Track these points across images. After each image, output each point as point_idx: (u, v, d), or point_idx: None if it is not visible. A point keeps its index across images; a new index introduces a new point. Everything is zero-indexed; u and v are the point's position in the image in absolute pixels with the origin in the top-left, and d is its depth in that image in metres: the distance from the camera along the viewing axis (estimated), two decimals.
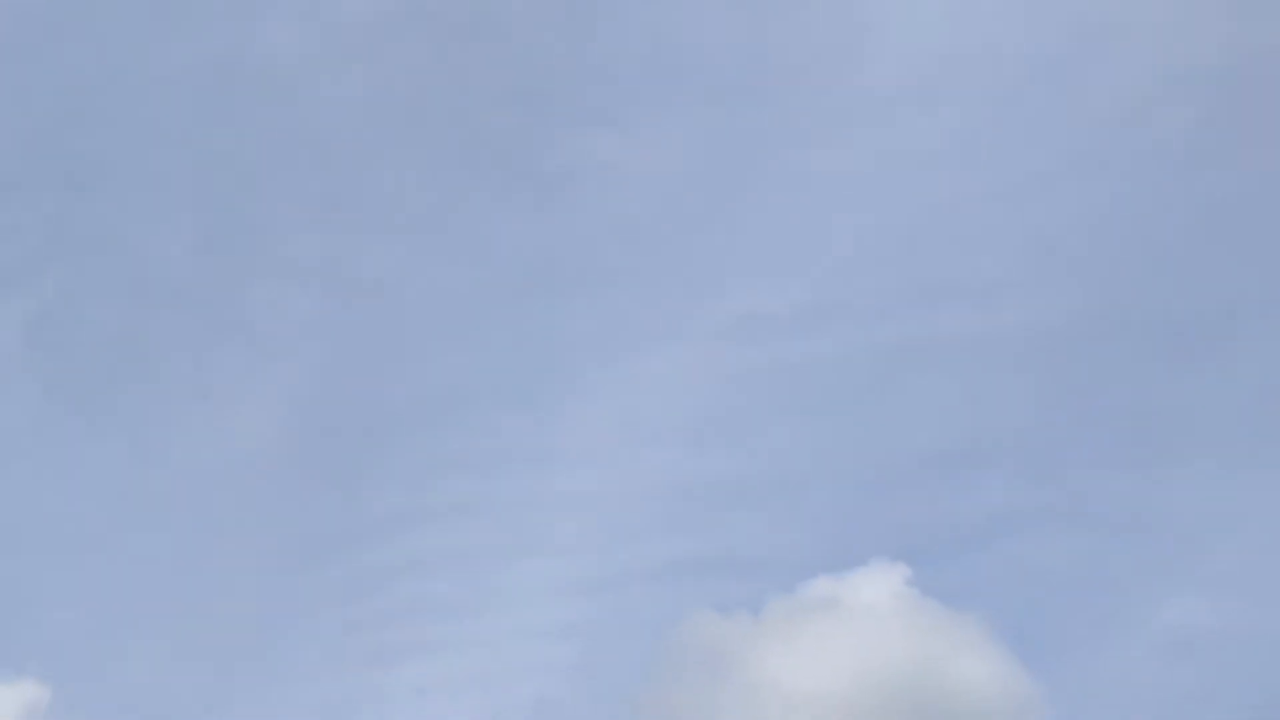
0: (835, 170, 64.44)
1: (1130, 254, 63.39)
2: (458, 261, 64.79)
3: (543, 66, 66.95)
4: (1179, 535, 57.77)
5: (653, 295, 64.05)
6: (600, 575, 58.27)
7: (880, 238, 64.65)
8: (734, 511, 59.80)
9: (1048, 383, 61.91)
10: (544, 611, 57.58)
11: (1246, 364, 61.00)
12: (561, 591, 58.05)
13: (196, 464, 61.22)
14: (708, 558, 58.53)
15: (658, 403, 61.93)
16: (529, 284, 64.91)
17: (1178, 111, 64.67)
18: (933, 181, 64.10)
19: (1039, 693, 51.03)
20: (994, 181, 64.45)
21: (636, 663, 55.29)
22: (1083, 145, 64.95)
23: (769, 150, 64.96)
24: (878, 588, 52.54)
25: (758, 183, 65.01)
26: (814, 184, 64.56)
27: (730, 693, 51.97)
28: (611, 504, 59.77)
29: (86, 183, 65.70)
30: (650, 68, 67.00)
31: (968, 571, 57.03)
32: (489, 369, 62.66)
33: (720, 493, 60.11)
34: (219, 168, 66.03)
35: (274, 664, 57.27)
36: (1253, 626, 55.13)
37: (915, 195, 64.13)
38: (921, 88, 65.33)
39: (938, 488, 59.37)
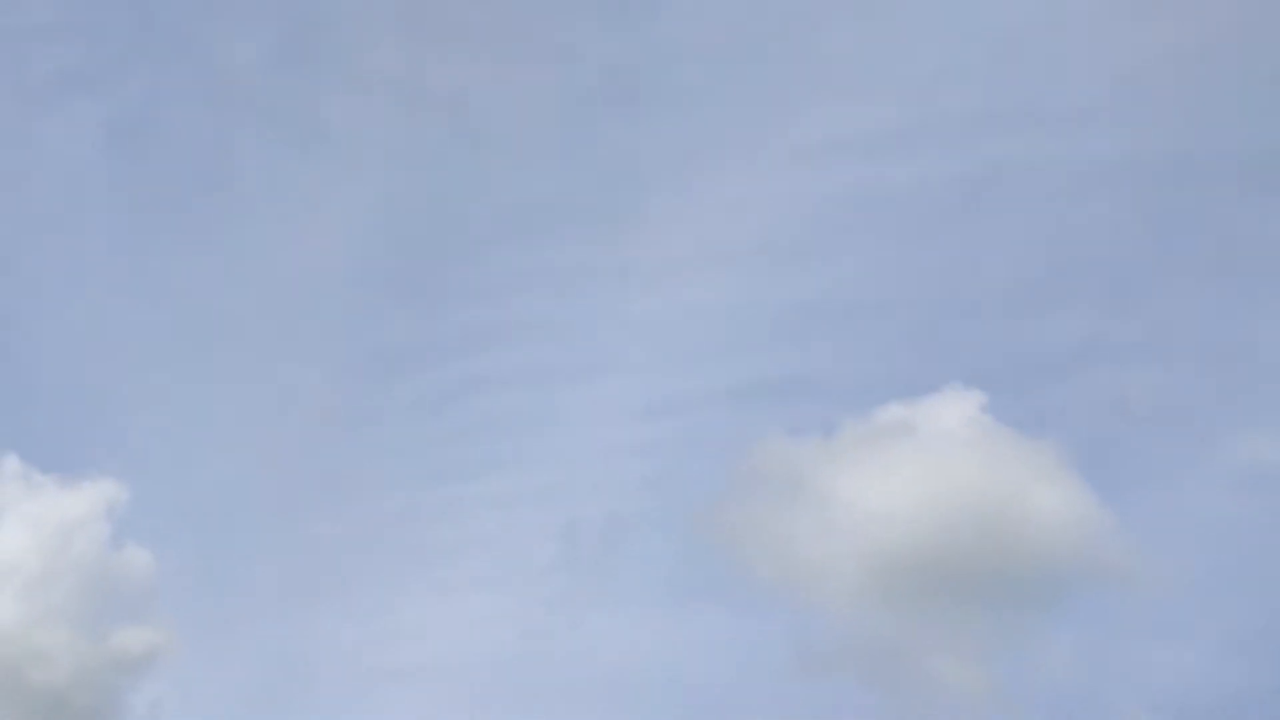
0: None
1: (1221, 88, 62.22)
2: (538, 75, 64.37)
3: None
4: (1258, 371, 57.41)
5: (732, 116, 63.32)
6: (673, 396, 58.77)
7: (965, 61, 63.50)
8: (808, 335, 60.07)
9: (1133, 214, 61.20)
10: (617, 430, 58.16)
11: None
12: (635, 411, 58.67)
13: (274, 275, 62.00)
14: (781, 381, 58.97)
15: (735, 224, 61.81)
16: (608, 100, 64.46)
17: None
18: (1023, 4, 63.10)
19: (1110, 523, 51.23)
20: (1087, 8, 63.25)
21: (708, 483, 55.95)
22: None
23: None
24: (952, 414, 52.41)
25: (841, 5, 64.10)
26: (898, 6, 63.51)
27: (800, 515, 52.57)
28: (686, 325, 60.14)
29: None
30: None
31: (1044, 400, 56.85)
32: (566, 186, 62.70)
33: (795, 316, 60.49)
34: None
35: (349, 475, 58.17)
36: None
37: (1003, 18, 62.86)
38: None
39: (1017, 316, 59.26)
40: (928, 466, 51.91)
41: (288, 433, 59.70)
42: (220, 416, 59.71)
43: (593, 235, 62.07)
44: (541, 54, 65.03)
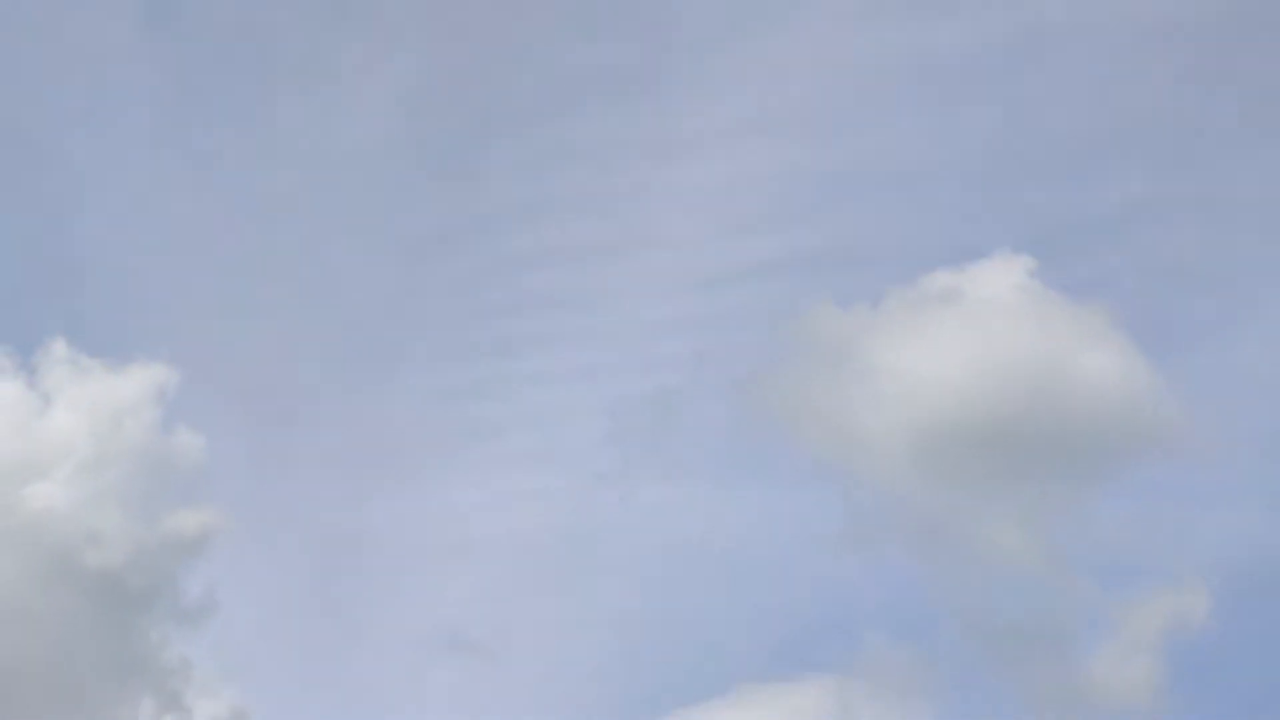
0: None
1: None
2: None
3: None
4: None
5: None
6: (719, 268, 59.15)
7: None
8: (854, 203, 60.40)
9: (1186, 72, 61.17)
10: (663, 305, 58.70)
11: None
12: (680, 284, 59.10)
13: (316, 154, 62.01)
14: (826, 250, 59.35)
15: (779, 91, 61.58)
16: None
17: None
18: None
19: (1161, 386, 51.58)
20: None
21: (754, 356, 56.41)
22: None
23: None
24: (1001, 280, 52.68)
25: None
26: None
27: (848, 385, 52.96)
28: (730, 196, 60.46)
29: None
30: None
31: (1094, 264, 57.38)
32: (607, 54, 62.46)
33: (840, 184, 60.58)
34: None
35: (396, 354, 58.93)
36: None
37: None
38: None
39: (1066, 178, 59.49)
40: (976, 334, 52.01)
41: (334, 313, 60.14)
42: (266, 298, 60.11)
43: (634, 106, 62.01)
44: None
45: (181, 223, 61.53)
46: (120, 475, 47.36)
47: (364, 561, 54.12)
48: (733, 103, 61.56)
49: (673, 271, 59.44)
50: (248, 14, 63.84)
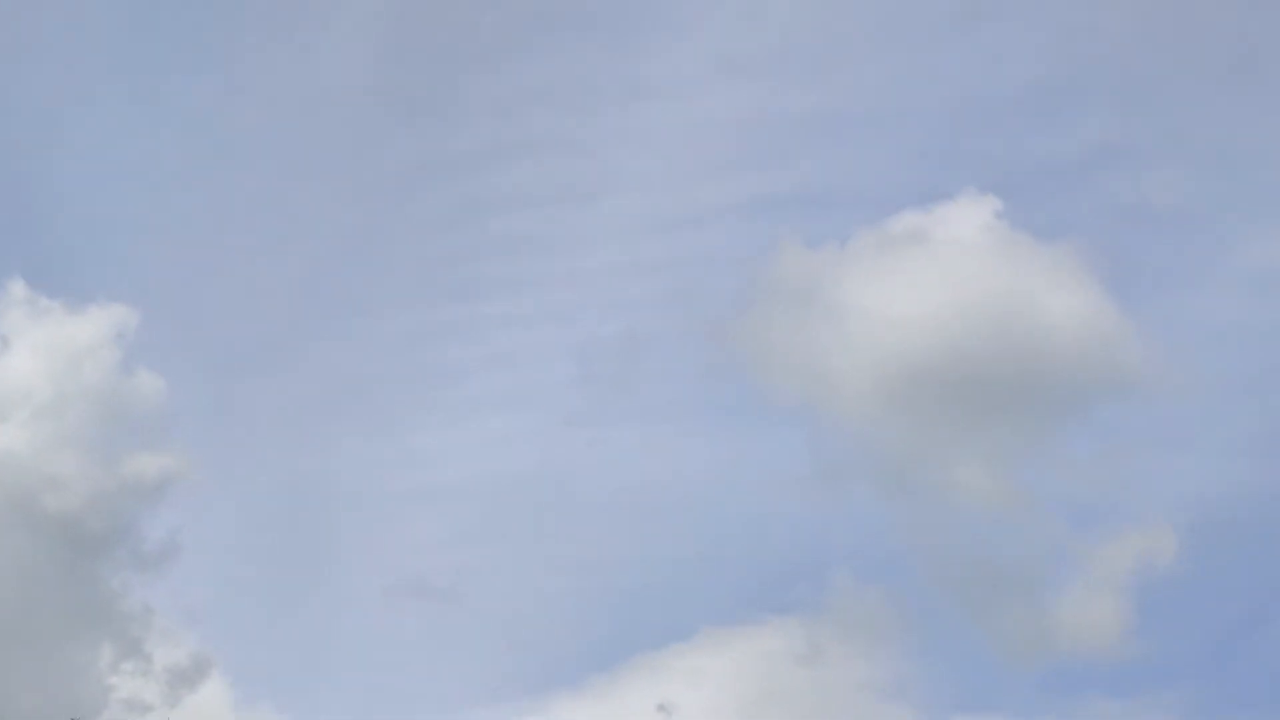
0: None
1: None
2: None
3: None
4: (1269, 176, 57.88)
5: None
6: (687, 210, 59.36)
7: None
8: (821, 145, 60.38)
9: (1145, 19, 60.91)
10: (631, 247, 58.91)
11: None
12: (649, 227, 59.33)
13: (281, 93, 61.88)
14: (794, 192, 59.47)
15: (746, 35, 61.73)
16: None
17: None
18: None
19: (1127, 326, 51.91)
20: None
21: (724, 296, 56.78)
22: None
23: None
24: (967, 221, 52.79)
25: None
26: None
27: (816, 326, 53.19)
28: (698, 138, 60.47)
29: None
30: None
31: (1059, 206, 57.40)
32: (576, 0, 62.45)
33: (807, 126, 60.67)
34: None
35: (361, 296, 58.92)
36: None
37: None
38: None
39: (1031, 120, 59.67)
40: (943, 274, 52.27)
41: (298, 254, 60.00)
42: (229, 239, 59.95)
43: (603, 47, 61.99)
44: None
45: (144, 164, 61.20)
46: (79, 418, 47.22)
47: (329, 507, 53.72)
48: (701, 47, 61.54)
49: (641, 214, 59.52)
50: None
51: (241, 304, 58.05)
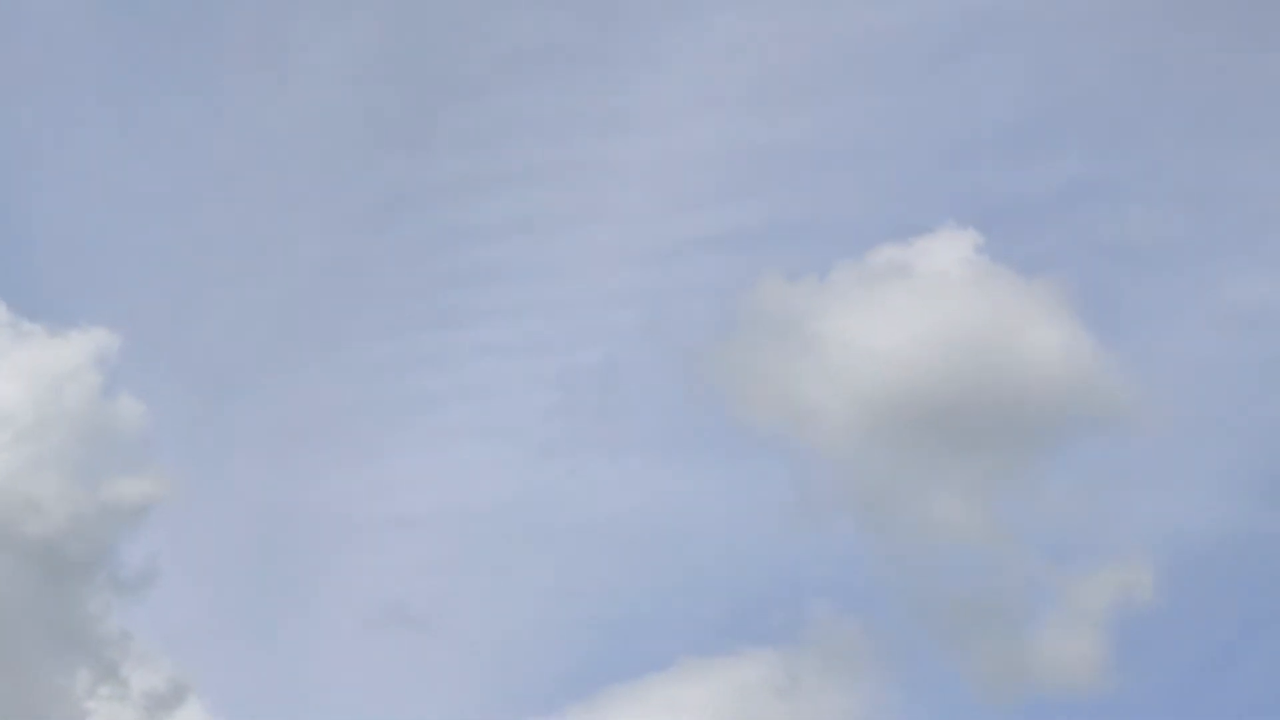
0: None
1: None
2: None
3: None
4: (1253, 212, 58.16)
5: None
6: (668, 241, 59.45)
7: None
8: (802, 178, 60.46)
9: (1125, 55, 61.40)
10: (612, 277, 58.87)
11: None
12: (629, 257, 59.32)
13: (264, 123, 61.74)
14: (774, 224, 59.55)
15: (728, 68, 61.84)
16: None
17: None
18: None
19: (1106, 364, 51.76)
20: None
21: (703, 328, 56.42)
22: None
23: None
24: (947, 254, 52.77)
25: None
26: None
27: (796, 358, 52.96)
28: (679, 169, 60.57)
29: None
30: None
31: (1040, 240, 57.69)
32: (558, 29, 62.61)
33: (787, 159, 60.74)
34: None
35: (342, 324, 58.95)
36: None
37: None
38: None
39: (1013, 156, 59.87)
40: (923, 308, 52.18)
41: (280, 281, 59.94)
42: (211, 265, 59.70)
43: (585, 80, 62.11)
44: None
45: (127, 190, 61.11)
46: (60, 442, 46.94)
47: (306, 533, 53.86)
48: (682, 78, 61.59)
49: (621, 244, 59.48)
50: None
51: (223, 330, 57.87)
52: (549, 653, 51.89)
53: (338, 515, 53.87)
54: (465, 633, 51.81)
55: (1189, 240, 58.19)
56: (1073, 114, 60.66)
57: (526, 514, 54.40)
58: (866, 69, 61.99)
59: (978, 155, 60.09)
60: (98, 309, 52.52)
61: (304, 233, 60.76)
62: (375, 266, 59.98)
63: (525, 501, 54.75)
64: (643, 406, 56.98)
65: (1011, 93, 61.14)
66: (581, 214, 59.86)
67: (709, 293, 57.84)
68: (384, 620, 52.02)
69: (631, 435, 56.09)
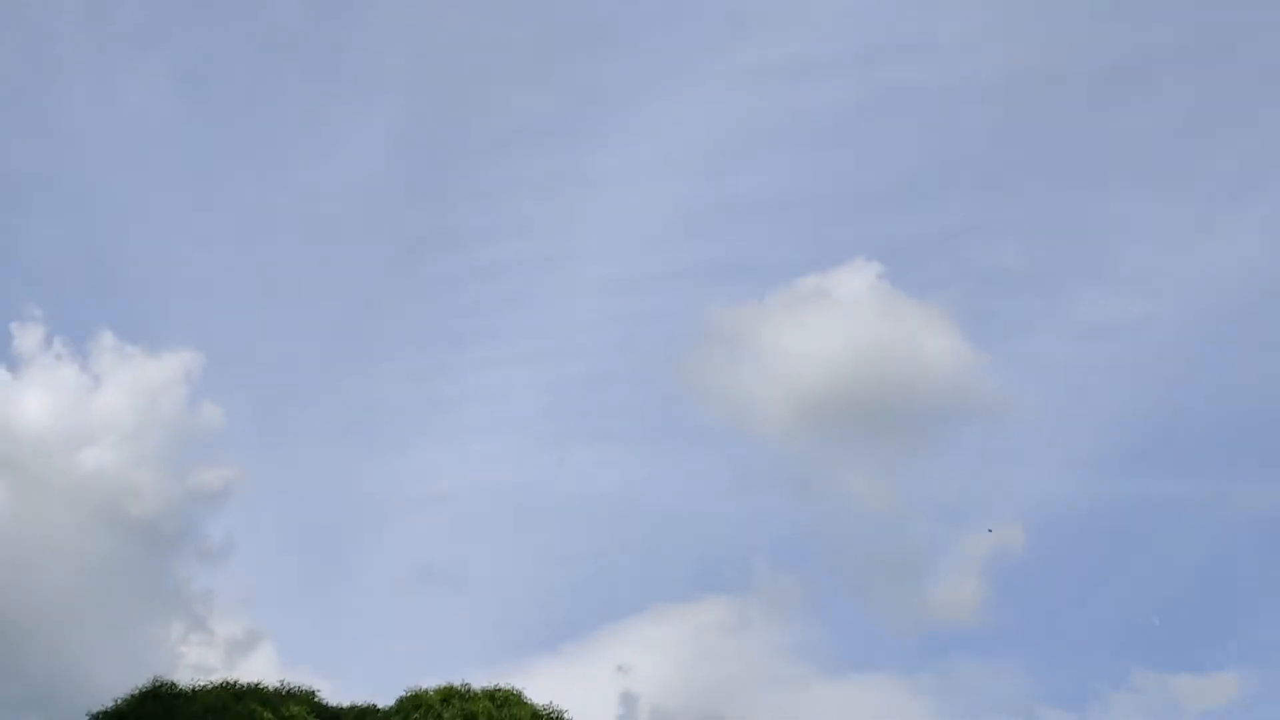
0: None
1: (1057, 11, 70.13)
2: (520, 24, 70.72)
3: None
4: (1099, 246, 64.31)
5: (678, 47, 69.74)
6: (638, 275, 64.02)
7: (861, 5, 70.53)
8: (742, 224, 65.95)
9: (997, 121, 67.89)
10: (593, 304, 63.45)
11: (1165, 102, 69.14)
12: (607, 288, 64.06)
13: (315, 185, 67.34)
14: (722, 261, 65.01)
15: (681, 139, 67.21)
16: (580, 40, 71.17)
17: None
18: None
19: (984, 365, 56.39)
20: None
21: (667, 343, 62.22)
22: None
23: None
24: (857, 282, 55.61)
25: None
26: None
27: (741, 364, 56.96)
28: (645, 219, 65.55)
29: None
30: None
31: (930, 269, 63.20)
32: (547, 107, 68.04)
33: (731, 210, 66.27)
34: None
35: (379, 343, 64.59)
36: (1151, 318, 63.13)
37: None
38: None
39: (906, 203, 65.05)
40: (839, 325, 54.37)
41: (329, 310, 64.70)
42: (275, 298, 64.41)
43: (567, 148, 67.12)
44: (522, 6, 71.14)
45: (207, 239, 66.52)
46: (156, 441, 50.64)
47: (352, 510, 57.84)
48: (645, 146, 66.75)
49: (599, 279, 63.80)
50: (261, 72, 70.47)
51: (284, 349, 62.73)
52: (547, 602, 56.08)
53: (377, 495, 58.20)
54: (480, 587, 55.85)
55: (1048, 268, 63.80)
56: (955, 169, 66.44)
57: (527, 493, 59.04)
58: (791, 137, 67.50)
59: (880, 203, 65.44)
60: (185, 334, 58.46)
61: (347, 271, 66.01)
62: (404, 297, 64.82)
63: (526, 483, 59.49)
64: (619, 407, 61.76)
65: (906, 153, 66.58)
66: (567, 255, 64.69)
67: (670, 316, 63.29)
68: (417, 579, 56.16)
69: (610, 430, 60.54)
